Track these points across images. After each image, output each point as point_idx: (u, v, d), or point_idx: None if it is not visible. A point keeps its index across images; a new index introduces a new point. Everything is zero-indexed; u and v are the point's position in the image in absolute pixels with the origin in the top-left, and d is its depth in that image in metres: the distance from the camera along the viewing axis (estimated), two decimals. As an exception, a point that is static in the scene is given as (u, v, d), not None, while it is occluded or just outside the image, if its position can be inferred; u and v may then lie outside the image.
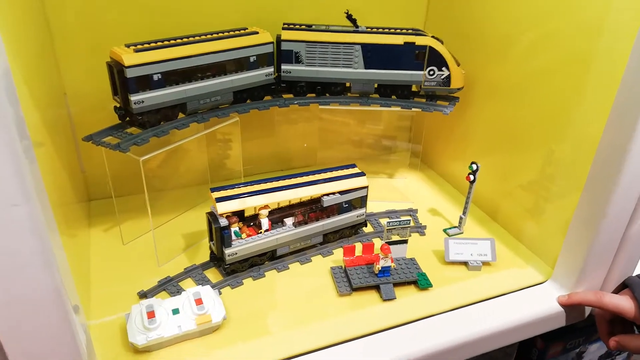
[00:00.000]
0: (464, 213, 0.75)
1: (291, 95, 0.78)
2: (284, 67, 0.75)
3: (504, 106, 0.74)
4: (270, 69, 0.74)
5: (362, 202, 0.71)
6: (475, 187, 0.73)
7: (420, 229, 0.76)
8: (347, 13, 0.75)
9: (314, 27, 0.75)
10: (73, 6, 0.66)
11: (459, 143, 0.87)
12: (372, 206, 0.79)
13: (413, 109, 0.77)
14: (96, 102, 0.69)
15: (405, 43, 0.73)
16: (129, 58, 0.58)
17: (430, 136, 0.92)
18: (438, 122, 0.90)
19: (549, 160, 0.67)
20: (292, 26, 0.74)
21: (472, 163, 0.72)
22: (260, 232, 0.65)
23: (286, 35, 0.73)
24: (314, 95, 0.78)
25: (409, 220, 0.65)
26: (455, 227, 0.77)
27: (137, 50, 0.59)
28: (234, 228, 0.63)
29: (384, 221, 0.78)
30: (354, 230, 0.73)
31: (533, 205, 0.71)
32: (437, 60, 0.74)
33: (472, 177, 0.72)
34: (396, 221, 0.65)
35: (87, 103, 0.71)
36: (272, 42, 0.72)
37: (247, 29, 0.72)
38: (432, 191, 0.89)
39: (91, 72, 0.68)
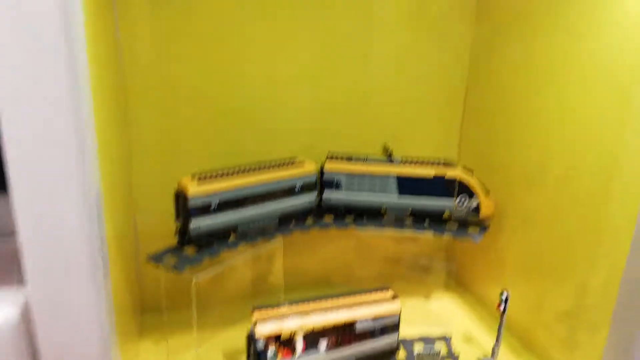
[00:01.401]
0: (497, 343, 0.76)
1: (331, 217, 0.85)
2: (326, 194, 0.83)
3: (535, 234, 0.78)
4: (313, 195, 0.82)
5: (394, 327, 0.73)
6: (507, 315, 0.75)
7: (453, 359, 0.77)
8: (384, 146, 0.84)
9: (354, 157, 0.84)
10: (151, 137, 0.79)
11: (493, 268, 0.90)
12: (407, 329, 0.81)
13: (445, 235, 0.82)
14: (160, 219, 0.78)
15: (435, 175, 0.80)
16: (192, 189, 0.67)
17: (466, 258, 0.96)
18: (473, 245, 0.94)
19: (582, 290, 0.69)
20: (335, 156, 0.84)
21: (503, 291, 0.74)
22: (295, 355, 0.68)
23: (329, 166, 0.82)
24: (352, 218, 0.85)
25: (440, 351, 0.67)
26: (489, 358, 0.77)
27: (200, 180, 0.69)
28: (271, 350, 0.66)
29: (417, 347, 0.79)
30: (386, 357, 0.75)
31: (567, 336, 0.71)
32: (466, 190, 0.81)
33: (502, 306, 0.74)
34: (428, 353, 0.67)
35: (152, 220, 0.81)
36: (316, 172, 0.81)
37: (295, 158, 0.82)
38: (468, 315, 0.90)
39: (159, 196, 0.78)
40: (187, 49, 0.79)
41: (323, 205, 0.84)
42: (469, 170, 0.81)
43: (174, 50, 0.78)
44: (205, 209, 0.69)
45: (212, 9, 0.78)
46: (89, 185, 0.41)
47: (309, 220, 0.83)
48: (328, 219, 0.85)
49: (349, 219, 0.84)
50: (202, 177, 0.70)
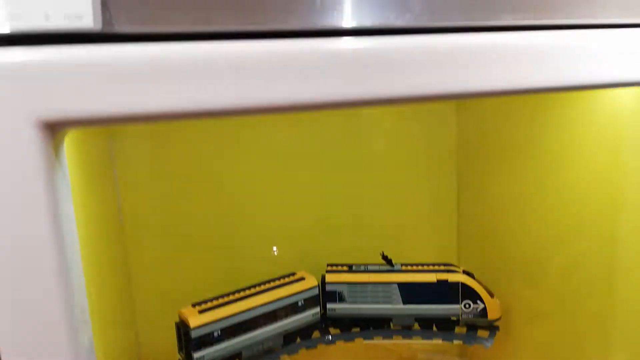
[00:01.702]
0: None
1: (337, 331, 0.84)
2: (329, 305, 0.82)
3: (544, 330, 0.77)
4: (317, 309, 0.81)
5: None
6: None
7: None
8: (382, 254, 0.85)
9: (354, 267, 0.84)
10: (152, 269, 0.79)
11: (507, 368, 0.87)
12: None
13: (454, 342, 0.80)
14: (164, 351, 0.77)
15: (438, 281, 0.80)
16: (194, 320, 0.67)
17: (479, 354, 0.93)
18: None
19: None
20: (335, 267, 0.84)
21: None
22: None
23: (330, 278, 0.82)
24: (358, 329, 0.83)
25: None
26: None
27: (201, 311, 0.69)
28: None
29: None
30: None
31: None
32: (471, 294, 0.80)
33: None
34: None
35: (155, 353, 0.80)
36: (317, 286, 0.81)
37: (295, 273, 0.82)
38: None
39: (162, 328, 0.77)
40: (182, 177, 0.82)
41: (327, 318, 0.83)
42: (470, 274, 0.82)
43: (170, 178, 0.81)
44: (208, 339, 0.68)
45: (205, 140, 0.83)
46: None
47: (315, 335, 0.82)
48: (334, 331, 0.83)
49: (355, 330, 0.83)
50: (203, 306, 0.70)
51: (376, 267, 0.84)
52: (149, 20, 0.35)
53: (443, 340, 0.81)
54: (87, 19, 0.33)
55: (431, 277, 0.81)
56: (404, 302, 0.82)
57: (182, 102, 0.35)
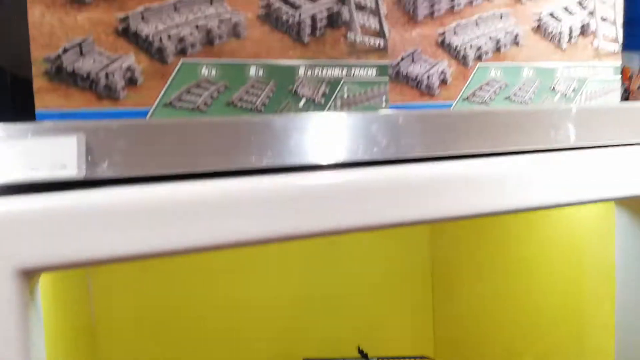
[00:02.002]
0: None
1: None
2: (305, 407, 0.80)
3: None
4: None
5: None
6: None
7: None
8: (359, 349, 0.84)
9: (330, 363, 0.83)
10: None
11: None
12: None
13: None
14: None
15: (414, 378, 0.80)
16: None
17: None
18: None
19: None
20: (310, 363, 0.83)
21: None
22: None
23: (306, 377, 0.81)
24: None
25: None
26: None
27: None
28: None
29: None
30: None
31: None
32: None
33: None
34: None
35: None
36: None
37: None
38: None
39: None
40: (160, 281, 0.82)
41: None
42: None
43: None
44: None
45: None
46: None
47: None
48: None
49: None
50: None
51: (353, 362, 0.83)
52: (131, 165, 0.37)
53: None
54: (71, 168, 0.35)
55: (408, 376, 0.80)
56: (382, 402, 0.80)
57: (160, 243, 0.37)
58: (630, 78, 0.64)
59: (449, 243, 0.94)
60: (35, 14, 0.37)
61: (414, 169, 0.45)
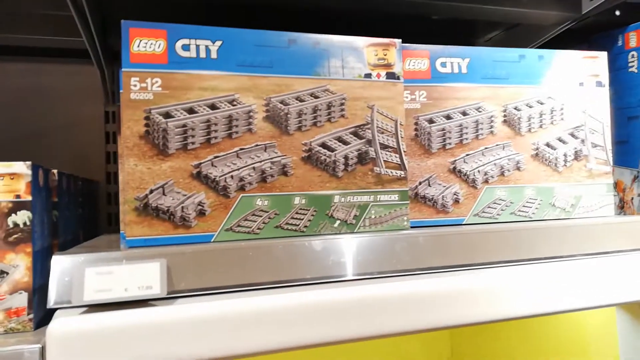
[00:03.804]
0: None
1: None
2: None
3: None
4: None
5: None
6: None
7: None
8: None
9: None
10: None
11: None
12: None
13: None
14: None
15: None
16: None
17: None
18: None
19: None
20: None
21: None
22: None
23: None
24: None
25: None
26: None
27: None
28: None
29: None
30: None
31: None
32: None
33: None
34: None
35: None
36: None
37: None
38: None
39: None
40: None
41: None
42: None
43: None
44: None
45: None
46: None
47: None
48: None
49: None
50: None
51: None
52: (201, 281, 0.45)
53: None
54: (155, 288, 0.44)
55: None
56: None
57: (230, 345, 0.44)
58: (624, 190, 0.72)
59: (469, 341, 0.98)
60: (130, 164, 0.48)
61: (434, 280, 0.53)
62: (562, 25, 0.76)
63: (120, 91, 0.49)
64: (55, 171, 0.57)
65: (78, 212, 0.68)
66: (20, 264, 0.45)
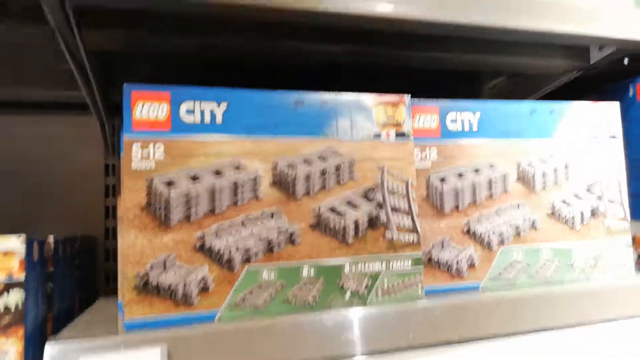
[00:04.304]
0: None
1: None
2: None
3: None
4: None
5: None
6: None
7: None
8: None
9: None
10: None
11: None
12: None
13: None
14: None
15: None
16: None
17: None
18: None
19: None
20: None
21: None
22: None
23: None
24: None
25: None
26: None
27: None
28: None
29: None
30: None
31: None
32: None
33: None
34: None
35: None
36: None
37: None
38: None
39: None
40: None
41: None
42: None
43: None
44: None
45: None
46: None
47: None
48: None
49: None
50: None
51: None
52: (204, 371, 0.42)
53: None
54: (154, 378, 0.40)
55: None
56: None
57: None
58: (643, 245, 0.69)
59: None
60: (130, 237, 0.45)
61: (450, 355, 0.49)
62: (570, 74, 0.75)
63: (121, 154, 0.47)
64: (51, 240, 0.54)
65: (74, 274, 0.65)
66: (10, 350, 0.42)
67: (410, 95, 0.57)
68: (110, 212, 0.85)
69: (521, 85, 0.83)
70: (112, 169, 0.87)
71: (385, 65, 0.68)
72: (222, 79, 0.73)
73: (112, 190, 0.87)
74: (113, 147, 0.85)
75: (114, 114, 0.81)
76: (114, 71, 0.69)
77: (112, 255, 0.84)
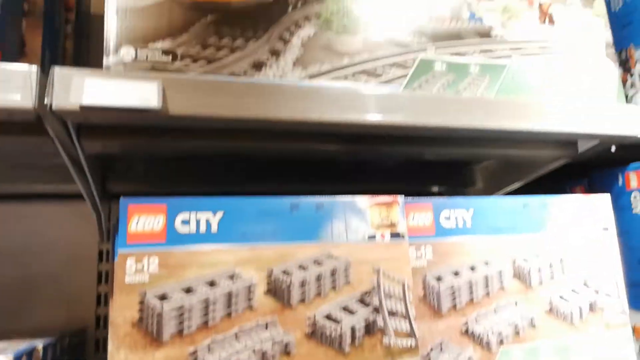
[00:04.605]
0: None
1: None
2: None
3: None
4: None
5: None
6: None
7: None
8: None
9: None
10: None
11: None
12: None
13: None
14: None
15: None
16: None
17: None
18: None
19: None
20: None
21: None
22: None
23: None
24: None
25: None
26: None
27: None
28: None
29: None
30: None
31: None
32: None
33: None
34: None
35: None
36: None
37: None
38: None
39: None
40: None
41: None
42: None
43: None
44: None
45: None
46: None
47: None
48: None
49: None
50: None
51: None
52: None
53: None
54: None
55: None
56: None
57: None
58: (644, 335, 0.68)
59: None
60: (120, 356, 0.44)
61: None
62: (559, 161, 0.77)
63: (116, 259, 0.47)
64: (40, 347, 0.53)
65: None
66: None
67: (403, 183, 0.58)
68: (102, 300, 0.84)
69: (512, 169, 0.85)
70: (105, 255, 0.86)
71: (376, 159, 0.69)
72: (220, 171, 0.74)
73: (105, 277, 0.85)
74: (108, 233, 0.85)
75: (110, 200, 0.81)
76: (111, 164, 0.70)
77: (102, 345, 0.82)
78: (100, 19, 0.82)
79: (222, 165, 0.72)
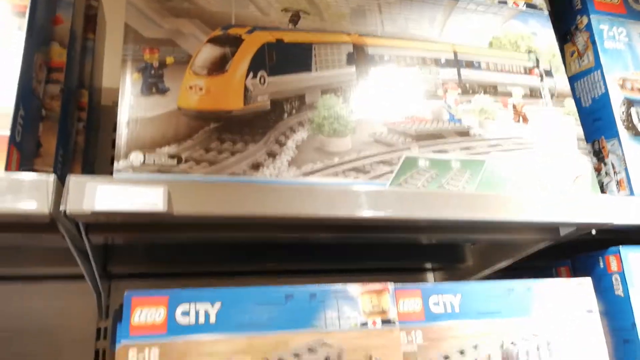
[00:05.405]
0: None
1: None
2: None
3: None
4: None
5: None
6: None
7: None
8: None
9: None
10: None
11: None
12: None
13: None
14: None
15: None
16: None
17: None
18: None
19: None
20: None
21: None
22: None
23: None
24: None
25: None
26: None
27: None
28: None
29: None
30: None
31: None
32: None
33: None
34: None
35: None
36: None
37: None
38: None
39: None
40: None
41: None
42: None
43: None
44: None
45: None
46: None
47: None
48: None
49: None
50: None
51: None
52: None
53: None
54: None
55: None
56: None
57: None
58: None
59: None
60: None
61: None
62: (543, 243, 0.80)
63: (117, 347, 0.48)
64: None
65: None
66: None
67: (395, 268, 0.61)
68: (99, 381, 0.84)
69: (499, 250, 0.88)
70: (103, 333, 0.87)
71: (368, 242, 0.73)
72: (220, 252, 0.77)
73: (103, 355, 0.86)
74: (107, 311, 0.87)
75: (109, 279, 0.83)
76: (113, 249, 0.73)
77: None
78: (108, 109, 0.88)
79: (222, 247, 0.75)
